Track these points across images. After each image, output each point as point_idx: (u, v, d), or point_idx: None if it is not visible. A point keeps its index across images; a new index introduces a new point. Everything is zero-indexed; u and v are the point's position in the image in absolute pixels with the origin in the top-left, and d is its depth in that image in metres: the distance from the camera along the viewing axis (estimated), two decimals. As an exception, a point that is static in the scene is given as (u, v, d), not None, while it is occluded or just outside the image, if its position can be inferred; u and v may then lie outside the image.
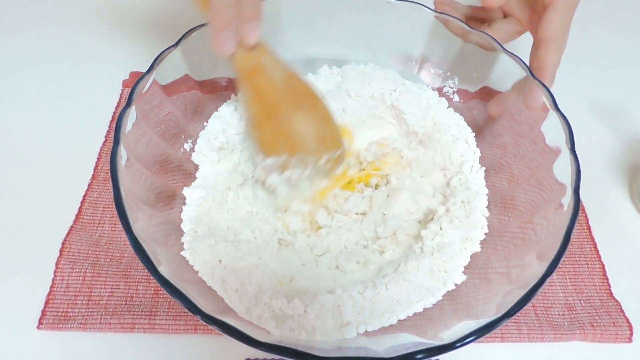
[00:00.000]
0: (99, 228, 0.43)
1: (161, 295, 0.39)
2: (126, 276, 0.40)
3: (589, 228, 0.46)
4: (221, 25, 0.34)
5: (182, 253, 0.37)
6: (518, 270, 0.35)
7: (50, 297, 0.39)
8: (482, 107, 0.47)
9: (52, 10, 0.65)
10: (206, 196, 0.40)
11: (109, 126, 0.51)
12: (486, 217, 0.40)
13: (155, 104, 0.41)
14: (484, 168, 0.43)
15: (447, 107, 0.47)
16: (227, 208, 0.42)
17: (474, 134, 0.45)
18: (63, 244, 0.42)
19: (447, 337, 0.30)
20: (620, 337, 0.39)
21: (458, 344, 0.28)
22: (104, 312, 0.38)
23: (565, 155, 0.36)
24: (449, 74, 0.50)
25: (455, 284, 0.37)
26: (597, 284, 0.43)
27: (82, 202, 0.45)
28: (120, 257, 0.42)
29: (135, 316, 0.38)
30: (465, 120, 0.47)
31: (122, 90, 0.55)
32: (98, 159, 0.48)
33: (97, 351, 0.37)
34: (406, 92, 0.47)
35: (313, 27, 0.49)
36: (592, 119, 0.56)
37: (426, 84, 0.49)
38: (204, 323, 0.28)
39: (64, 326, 0.37)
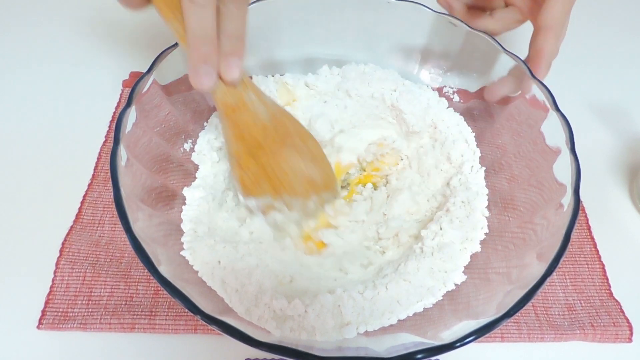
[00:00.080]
0: (99, 228, 0.43)
1: (161, 295, 0.39)
2: (126, 276, 0.40)
3: (589, 228, 0.46)
4: (198, 59, 0.32)
5: (182, 253, 0.37)
6: (518, 271, 0.35)
7: (50, 297, 0.39)
8: (482, 107, 0.47)
9: (52, 10, 0.65)
10: (206, 196, 0.40)
11: (109, 126, 0.51)
12: (486, 217, 0.40)
13: (155, 104, 0.41)
14: (484, 168, 0.43)
15: (447, 107, 0.47)
16: (227, 208, 0.42)
17: (474, 134, 0.45)
18: (63, 244, 0.42)
19: (447, 337, 0.30)
20: (620, 337, 0.39)
21: (458, 344, 0.28)
22: (104, 312, 0.38)
23: (565, 155, 0.36)
24: (449, 74, 0.50)
25: (455, 284, 0.37)
26: (597, 284, 0.43)
27: (82, 202, 0.45)
28: (120, 257, 0.42)
29: (135, 316, 0.38)
30: (465, 120, 0.47)
31: (122, 90, 0.55)
32: (98, 159, 0.48)
33: (97, 351, 0.37)
34: (406, 92, 0.47)
35: (313, 27, 0.49)
36: (592, 119, 0.56)
37: (426, 84, 0.49)
38: (204, 323, 0.28)
39: (64, 326, 0.37)
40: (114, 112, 0.52)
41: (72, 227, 0.43)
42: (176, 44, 0.41)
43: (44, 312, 0.38)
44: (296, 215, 0.40)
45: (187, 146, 0.44)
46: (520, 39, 0.50)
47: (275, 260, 0.38)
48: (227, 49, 0.33)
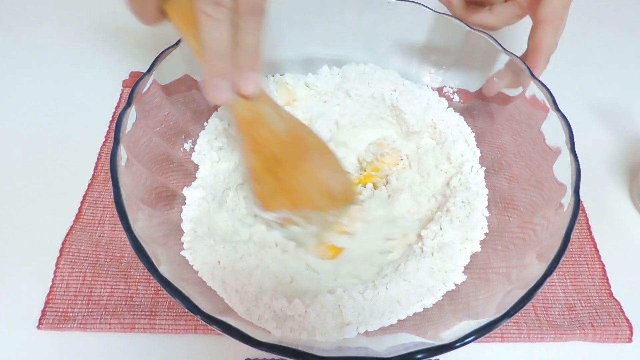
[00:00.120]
0: (99, 228, 0.43)
1: (161, 295, 0.39)
2: (126, 276, 0.40)
3: (589, 228, 0.46)
4: (214, 73, 0.32)
5: (182, 253, 0.37)
6: (518, 270, 0.35)
7: (50, 297, 0.39)
8: (482, 107, 0.47)
9: (52, 10, 0.65)
10: (206, 196, 0.40)
11: (109, 126, 0.51)
12: (486, 217, 0.40)
13: (155, 104, 0.41)
14: (484, 168, 0.43)
15: (447, 107, 0.47)
16: (227, 208, 0.42)
17: (474, 134, 0.45)
18: (63, 244, 0.42)
19: (447, 337, 0.30)
20: (620, 337, 0.39)
21: (458, 344, 0.28)
22: (104, 312, 0.38)
23: (565, 155, 0.36)
24: (449, 74, 0.50)
25: (455, 284, 0.37)
26: (597, 284, 0.43)
27: (82, 202, 0.45)
28: (120, 257, 0.42)
29: (135, 316, 0.38)
30: (465, 120, 0.47)
31: (122, 90, 0.55)
32: (98, 159, 0.48)
33: (97, 351, 0.37)
34: (406, 92, 0.47)
35: (313, 27, 0.49)
36: (592, 119, 0.56)
37: (426, 84, 0.49)
38: (204, 323, 0.28)
39: (64, 326, 0.37)
40: (114, 112, 0.52)
41: (72, 227, 0.43)
42: (176, 44, 0.41)
43: (44, 312, 0.38)
44: (314, 228, 0.39)
45: (187, 146, 0.44)
46: (519, 36, 0.50)
47: (275, 261, 0.38)
48: (243, 63, 0.32)
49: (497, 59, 0.45)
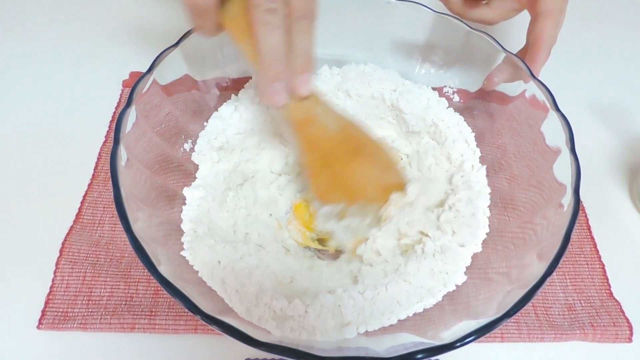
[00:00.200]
0: (99, 228, 0.43)
1: (161, 295, 0.39)
2: (126, 276, 0.40)
3: (589, 228, 0.46)
4: (271, 78, 0.33)
5: (182, 253, 0.37)
6: (518, 270, 0.35)
7: (50, 297, 0.39)
8: (482, 107, 0.47)
9: (52, 10, 0.65)
10: (206, 196, 0.40)
11: (109, 126, 0.51)
12: (487, 217, 0.40)
13: (155, 104, 0.41)
14: (485, 166, 0.43)
15: (447, 107, 0.47)
16: (227, 208, 0.42)
17: (474, 134, 0.45)
18: (63, 244, 0.42)
19: (447, 337, 0.30)
20: (620, 337, 0.39)
21: (458, 344, 0.28)
22: (104, 312, 0.38)
23: (565, 155, 0.36)
24: (449, 73, 0.50)
25: (456, 285, 0.37)
26: (597, 284, 0.43)
27: (82, 202, 0.45)
28: (120, 257, 0.42)
29: (135, 316, 0.38)
30: (465, 120, 0.47)
31: (122, 90, 0.55)
32: (98, 159, 0.48)
33: (97, 351, 0.37)
34: (406, 92, 0.47)
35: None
36: (592, 119, 0.56)
37: (426, 84, 0.49)
38: (204, 323, 0.28)
39: (64, 326, 0.37)
40: (114, 112, 0.53)
41: (72, 227, 0.43)
42: (176, 44, 0.41)
43: (44, 312, 0.38)
44: (370, 219, 0.40)
45: (187, 146, 0.44)
46: (518, 32, 0.50)
47: (275, 261, 0.38)
48: (298, 66, 0.34)
49: (497, 59, 0.45)
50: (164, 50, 0.40)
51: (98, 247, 0.42)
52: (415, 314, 0.36)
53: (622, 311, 0.40)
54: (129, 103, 0.36)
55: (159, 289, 0.40)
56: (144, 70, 0.39)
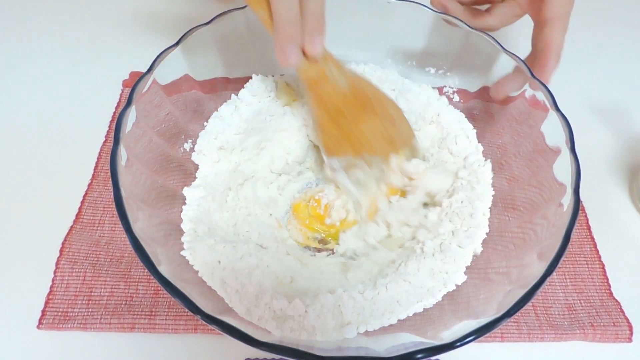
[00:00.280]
0: (99, 228, 0.43)
1: (161, 295, 0.39)
2: (126, 276, 0.40)
3: (589, 228, 0.46)
4: (285, 39, 0.35)
5: (182, 253, 0.37)
6: (518, 270, 0.35)
7: (50, 297, 0.39)
8: (482, 107, 0.47)
9: (52, 10, 0.65)
10: (206, 196, 0.40)
11: (109, 126, 0.51)
12: (486, 217, 0.40)
13: (155, 104, 0.41)
14: (489, 160, 0.43)
15: (447, 105, 0.47)
16: (227, 208, 0.42)
17: (475, 130, 0.45)
18: (63, 244, 0.42)
19: (447, 336, 0.30)
20: (620, 337, 0.39)
21: (458, 344, 0.28)
22: (104, 312, 0.38)
23: (565, 155, 0.36)
24: (449, 74, 0.50)
25: (456, 285, 0.37)
26: (597, 284, 0.43)
27: (82, 202, 0.45)
28: (120, 257, 0.42)
29: (135, 316, 0.38)
30: (466, 117, 0.47)
31: (122, 90, 0.55)
32: (98, 159, 0.48)
33: (97, 351, 0.37)
34: (406, 91, 0.47)
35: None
36: (592, 119, 0.56)
37: (426, 84, 0.49)
38: (204, 323, 0.28)
39: (64, 326, 0.37)
40: (114, 112, 0.52)
41: (72, 227, 0.43)
42: (176, 44, 0.41)
43: (44, 312, 0.38)
44: (376, 172, 0.43)
45: (187, 146, 0.44)
46: (516, 33, 0.50)
47: (275, 261, 0.38)
48: (310, 27, 0.36)
49: (497, 59, 0.45)
50: (164, 50, 0.40)
51: (98, 247, 0.42)
52: (415, 314, 0.36)
53: (622, 311, 0.40)
54: (129, 103, 0.36)
55: (159, 289, 0.40)
56: (144, 70, 0.39)
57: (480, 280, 0.37)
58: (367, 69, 0.49)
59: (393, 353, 0.28)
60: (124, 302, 0.39)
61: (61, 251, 0.41)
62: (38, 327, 0.38)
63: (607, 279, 0.43)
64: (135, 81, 0.38)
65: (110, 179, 0.32)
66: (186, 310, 0.28)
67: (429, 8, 0.47)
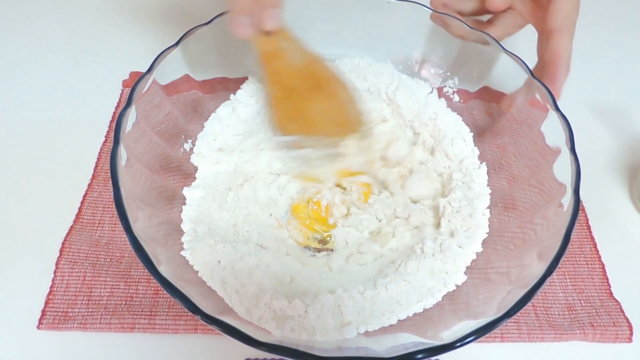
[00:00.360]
0: (99, 228, 0.43)
1: (161, 295, 0.39)
2: (126, 276, 0.40)
3: (589, 228, 0.46)
4: (238, 10, 0.35)
5: (182, 253, 0.37)
6: (518, 270, 0.35)
7: (50, 297, 0.39)
8: (482, 107, 0.47)
9: (51, 10, 0.65)
10: (206, 196, 0.40)
11: (109, 126, 0.51)
12: (486, 218, 0.40)
13: (155, 104, 0.41)
14: (485, 163, 0.43)
15: (445, 107, 0.47)
16: (227, 208, 0.42)
17: (472, 133, 0.45)
18: (63, 244, 0.42)
19: (447, 337, 0.30)
20: (620, 337, 0.39)
21: (458, 344, 0.28)
22: (104, 312, 0.38)
23: (565, 155, 0.36)
24: (449, 74, 0.50)
25: (456, 285, 0.37)
26: (597, 284, 0.43)
27: (82, 202, 0.45)
28: (120, 257, 0.42)
29: (135, 316, 0.38)
30: (463, 120, 0.46)
31: (122, 90, 0.55)
32: (98, 159, 0.48)
33: (97, 351, 0.37)
34: (403, 86, 0.47)
35: (312, 27, 0.49)
36: (592, 119, 0.56)
37: (423, 80, 0.49)
38: (204, 323, 0.28)
39: (64, 326, 0.37)
40: (114, 112, 0.53)
41: (72, 227, 0.43)
42: (176, 44, 0.41)
43: (44, 312, 0.38)
44: (324, 152, 0.42)
45: (187, 146, 0.44)
46: (517, 35, 0.50)
47: (275, 261, 0.38)
48: (266, 1, 0.35)
49: (497, 59, 0.45)
50: (164, 50, 0.40)
51: (98, 247, 0.42)
52: (415, 314, 0.36)
53: (622, 311, 0.40)
54: (129, 103, 0.36)
55: (159, 289, 0.40)
56: (144, 70, 0.39)
57: (480, 280, 0.37)
58: (362, 62, 0.48)
59: (393, 353, 0.28)
60: (124, 302, 0.39)
61: (61, 251, 0.41)
62: (38, 327, 0.38)
63: (607, 279, 0.43)
64: (135, 81, 0.38)
65: (110, 179, 0.32)
66: (186, 310, 0.28)
67: (429, 8, 0.47)
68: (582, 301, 0.41)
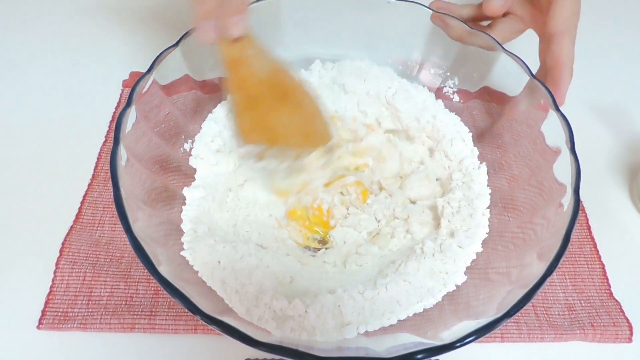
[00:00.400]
0: (99, 228, 0.43)
1: (161, 295, 0.39)
2: (126, 276, 0.40)
3: (589, 228, 0.46)
4: (202, 15, 0.34)
5: (182, 253, 0.36)
6: (518, 270, 0.35)
7: (50, 297, 0.39)
8: (482, 107, 0.47)
9: (52, 9, 0.65)
10: (206, 196, 0.40)
11: (109, 126, 0.51)
12: (486, 218, 0.40)
13: (155, 104, 0.41)
14: (485, 163, 0.43)
15: (443, 108, 0.47)
16: (227, 208, 0.42)
17: (471, 134, 0.45)
18: (63, 244, 0.42)
19: (447, 337, 0.30)
20: (620, 337, 0.39)
21: (458, 344, 0.28)
22: (104, 312, 0.38)
23: (565, 155, 0.36)
24: (449, 74, 0.50)
25: (456, 285, 0.37)
26: (597, 284, 0.43)
27: (82, 202, 0.45)
28: (120, 257, 0.42)
29: (135, 316, 0.38)
30: (463, 120, 0.46)
31: (122, 90, 0.55)
32: (98, 159, 0.48)
33: (97, 351, 0.37)
34: (402, 90, 0.47)
35: (312, 27, 0.49)
36: (592, 119, 0.56)
37: (426, 84, 0.49)
38: (204, 323, 0.28)
39: (64, 326, 0.37)
40: (114, 112, 0.52)
41: (72, 227, 0.43)
42: (176, 44, 0.41)
43: (44, 312, 0.38)
44: (287, 164, 0.42)
45: (187, 146, 0.44)
46: (521, 37, 0.50)
47: (275, 261, 0.38)
48: (230, 7, 0.34)
49: (497, 59, 0.45)
50: (164, 50, 0.40)
51: (98, 247, 0.42)
52: (415, 314, 0.36)
53: (622, 311, 0.40)
54: (129, 103, 0.36)
55: (159, 289, 0.40)
56: (144, 70, 0.39)
57: (480, 280, 0.37)
58: (363, 65, 0.48)
59: (393, 353, 0.28)
60: (124, 302, 0.39)
61: (61, 251, 0.41)
62: (38, 327, 0.38)
63: (607, 279, 0.43)
64: (135, 81, 0.38)
65: (110, 179, 0.32)
66: (186, 310, 0.28)
67: (428, 8, 0.47)
68: (582, 301, 0.41)
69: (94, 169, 0.47)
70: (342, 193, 0.46)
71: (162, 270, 0.30)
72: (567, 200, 0.34)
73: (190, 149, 0.44)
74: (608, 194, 0.50)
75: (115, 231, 0.43)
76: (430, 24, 0.47)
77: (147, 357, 0.37)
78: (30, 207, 0.45)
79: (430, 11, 0.47)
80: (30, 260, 0.41)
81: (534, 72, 0.43)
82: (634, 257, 0.45)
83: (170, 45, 0.41)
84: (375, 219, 0.44)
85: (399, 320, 0.35)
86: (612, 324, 0.39)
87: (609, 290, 0.42)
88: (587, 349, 0.39)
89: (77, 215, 0.44)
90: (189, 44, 0.42)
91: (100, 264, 0.41)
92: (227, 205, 0.42)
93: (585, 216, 0.47)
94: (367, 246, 0.41)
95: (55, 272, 0.40)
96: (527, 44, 0.46)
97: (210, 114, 0.45)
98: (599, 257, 0.44)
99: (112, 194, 0.31)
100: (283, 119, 0.40)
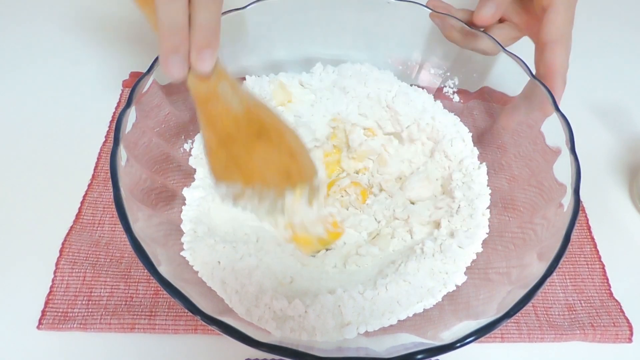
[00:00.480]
0: (99, 228, 0.43)
1: (161, 295, 0.39)
2: (126, 276, 0.40)
3: (589, 228, 0.46)
4: (167, 50, 0.31)
5: (182, 253, 0.37)
6: (518, 271, 0.35)
7: (50, 297, 0.39)
8: (482, 107, 0.47)
9: (51, 9, 0.64)
10: (206, 196, 0.40)
11: (109, 126, 0.51)
12: (486, 218, 0.40)
13: (155, 104, 0.41)
14: (485, 163, 0.43)
15: (442, 109, 0.47)
16: (227, 208, 0.42)
17: (471, 134, 0.45)
18: (63, 244, 0.42)
19: (447, 337, 0.30)
20: (620, 337, 0.39)
21: (458, 344, 0.28)
22: (104, 312, 0.38)
23: (565, 155, 0.36)
24: (449, 74, 0.50)
25: (456, 285, 0.37)
26: (597, 284, 0.43)
27: (82, 202, 0.45)
28: (120, 257, 0.42)
29: (135, 316, 0.38)
30: (463, 121, 0.46)
31: (122, 90, 0.55)
32: (98, 159, 0.48)
33: (97, 351, 0.37)
34: (402, 93, 0.47)
35: (312, 28, 0.49)
36: (592, 119, 0.56)
37: (426, 84, 0.49)
38: (204, 323, 0.28)
39: (64, 326, 0.37)
40: (114, 112, 0.52)
41: (72, 227, 0.43)
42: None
43: (44, 312, 0.38)
44: (266, 206, 0.39)
45: (187, 146, 0.44)
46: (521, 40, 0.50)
47: (275, 261, 0.38)
48: (198, 41, 0.32)
49: (497, 59, 0.45)
50: (164, 51, 0.40)
51: (98, 247, 0.42)
52: (415, 314, 0.36)
53: (622, 311, 0.40)
54: (129, 103, 0.36)
55: (159, 289, 0.40)
56: (144, 70, 0.39)
57: (480, 280, 0.37)
58: (364, 68, 0.48)
59: (393, 354, 0.28)
60: (123, 303, 0.39)
61: (61, 251, 0.41)
62: (38, 327, 0.37)
63: (607, 279, 0.43)
64: (135, 81, 0.38)
65: (110, 179, 0.32)
66: (186, 310, 0.28)
67: (428, 8, 0.47)
68: (582, 301, 0.41)
69: (94, 169, 0.47)
70: (341, 196, 0.46)
71: (162, 270, 0.30)
72: (567, 201, 0.34)
73: (190, 149, 0.44)
74: (608, 194, 0.50)
75: (115, 231, 0.43)
76: (430, 23, 0.47)
77: (147, 357, 0.37)
78: (30, 207, 0.45)
79: (431, 11, 0.47)
80: (30, 260, 0.41)
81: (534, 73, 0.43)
82: (634, 257, 0.45)
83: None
84: (376, 219, 0.44)
85: (399, 321, 0.35)
86: (612, 324, 0.39)
87: (609, 290, 0.42)
88: (587, 349, 0.39)
89: (77, 215, 0.44)
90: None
91: (100, 264, 0.41)
92: (227, 205, 0.42)
93: (585, 216, 0.47)
94: (368, 247, 0.41)
95: (55, 272, 0.40)
96: (527, 44, 0.46)
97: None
98: (599, 257, 0.44)
99: (112, 194, 0.31)
100: (259, 158, 0.37)
